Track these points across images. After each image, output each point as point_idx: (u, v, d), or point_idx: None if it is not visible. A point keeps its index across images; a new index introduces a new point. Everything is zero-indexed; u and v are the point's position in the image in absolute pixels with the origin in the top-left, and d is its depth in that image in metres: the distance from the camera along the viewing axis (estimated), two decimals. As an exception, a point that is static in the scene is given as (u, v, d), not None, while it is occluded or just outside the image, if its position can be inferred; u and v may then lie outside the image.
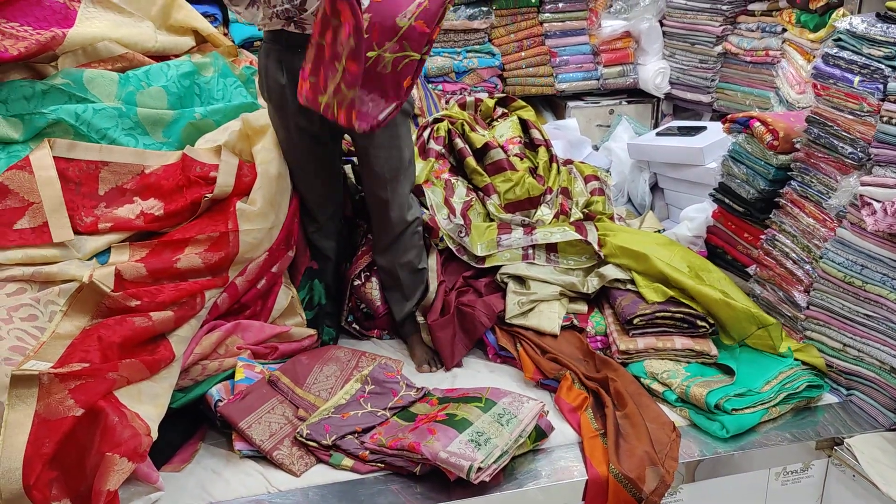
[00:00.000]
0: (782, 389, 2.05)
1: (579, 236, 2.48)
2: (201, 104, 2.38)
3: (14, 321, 1.76)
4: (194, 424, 1.98)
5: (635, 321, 2.22)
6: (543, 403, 1.94)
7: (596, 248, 2.47)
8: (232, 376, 1.99)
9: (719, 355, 2.18)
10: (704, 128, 3.37)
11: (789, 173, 2.35)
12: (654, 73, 4.06)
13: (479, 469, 1.70)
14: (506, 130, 2.93)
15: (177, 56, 2.50)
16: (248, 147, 2.22)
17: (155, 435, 1.68)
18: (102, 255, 2.02)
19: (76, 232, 2.02)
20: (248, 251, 2.07)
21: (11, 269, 1.87)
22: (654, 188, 3.58)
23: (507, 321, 2.33)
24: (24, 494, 1.49)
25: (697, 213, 2.92)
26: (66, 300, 1.83)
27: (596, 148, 3.87)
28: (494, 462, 1.74)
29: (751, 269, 2.52)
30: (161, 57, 2.44)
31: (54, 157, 2.02)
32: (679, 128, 3.48)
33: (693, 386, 2.02)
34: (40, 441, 1.52)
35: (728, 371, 2.13)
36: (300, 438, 1.85)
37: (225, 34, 3.52)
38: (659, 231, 3.03)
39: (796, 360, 2.16)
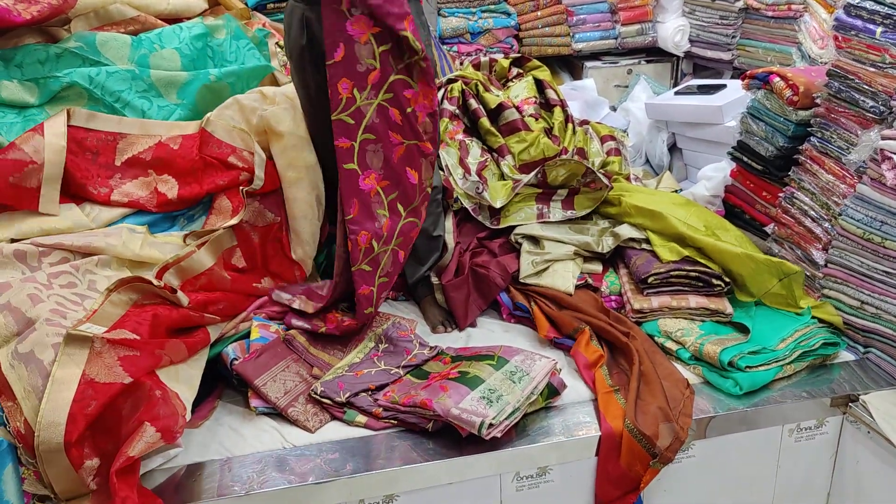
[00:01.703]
0: (797, 347, 2.03)
1: (581, 159, 2.50)
2: (214, 66, 2.38)
3: (54, 287, 1.80)
4: (211, 383, 2.00)
5: (650, 280, 2.21)
6: (556, 361, 1.94)
7: (604, 179, 2.46)
8: (247, 336, 2.02)
9: (734, 313, 2.16)
10: (724, 86, 3.31)
11: (809, 129, 2.31)
12: (673, 30, 3.98)
13: (491, 425, 1.71)
14: (521, 91, 2.89)
15: (189, 18, 2.50)
16: (266, 143, 2.21)
17: (189, 416, 1.71)
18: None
19: (90, 201, 2.04)
20: None
21: (59, 239, 1.92)
22: (673, 149, 3.53)
23: (521, 281, 2.33)
24: (63, 450, 1.49)
25: (715, 173, 2.87)
26: (120, 278, 1.84)
27: (613, 109, 3.82)
28: (506, 419, 1.76)
29: (769, 228, 2.48)
30: (173, 19, 2.45)
31: (74, 126, 2.04)
32: (699, 86, 3.42)
33: (707, 344, 2.02)
34: (86, 400, 1.53)
35: (743, 330, 2.12)
36: (314, 396, 1.88)
37: (238, -3, 3.51)
38: (676, 191, 2.99)
39: (812, 317, 2.14)
